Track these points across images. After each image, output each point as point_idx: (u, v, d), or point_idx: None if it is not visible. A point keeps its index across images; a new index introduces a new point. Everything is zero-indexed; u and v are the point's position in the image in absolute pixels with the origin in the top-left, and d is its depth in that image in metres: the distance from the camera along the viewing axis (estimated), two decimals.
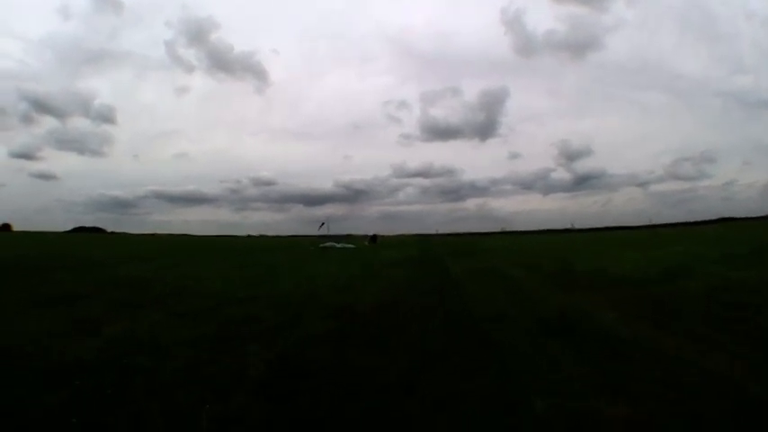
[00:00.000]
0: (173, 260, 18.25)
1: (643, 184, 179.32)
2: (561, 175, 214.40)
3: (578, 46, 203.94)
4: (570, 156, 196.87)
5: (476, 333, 5.28)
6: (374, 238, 40.68)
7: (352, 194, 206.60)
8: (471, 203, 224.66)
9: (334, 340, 4.94)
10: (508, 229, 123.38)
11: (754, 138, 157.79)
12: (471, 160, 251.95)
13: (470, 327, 5.62)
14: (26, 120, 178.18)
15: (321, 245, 30.35)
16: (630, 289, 8.47)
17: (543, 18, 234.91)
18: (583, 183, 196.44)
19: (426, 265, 15.05)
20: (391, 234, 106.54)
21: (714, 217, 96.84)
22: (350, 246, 29.52)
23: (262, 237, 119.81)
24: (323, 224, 39.88)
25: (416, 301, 7.60)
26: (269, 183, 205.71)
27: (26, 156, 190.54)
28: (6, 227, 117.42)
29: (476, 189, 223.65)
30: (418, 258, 18.82)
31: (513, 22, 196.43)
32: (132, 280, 10.81)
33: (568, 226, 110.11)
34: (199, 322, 5.99)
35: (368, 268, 13.60)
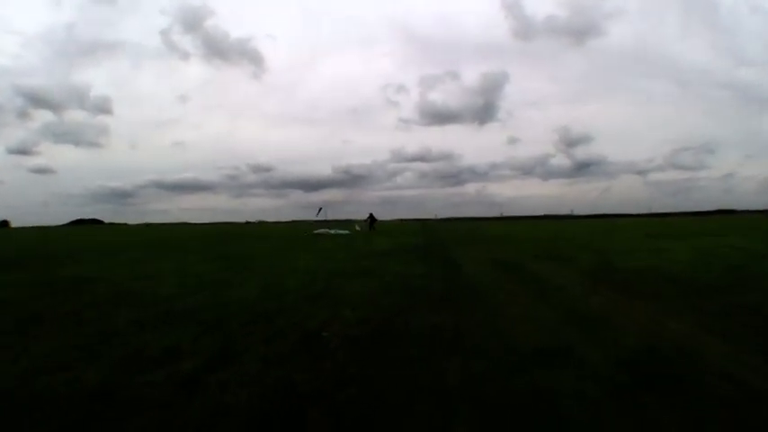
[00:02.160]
0: (144, 253, 15.94)
1: (642, 173, 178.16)
2: (561, 161, 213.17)
3: (579, 32, 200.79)
4: (570, 142, 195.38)
5: (535, 396, 2.87)
6: (372, 220, 34.53)
7: (351, 179, 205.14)
8: (470, 188, 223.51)
9: (273, 422, 2.64)
10: (507, 214, 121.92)
11: (755, 131, 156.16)
12: (470, 145, 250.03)
13: (519, 378, 3.19)
14: (22, 115, 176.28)
15: (314, 231, 28.29)
16: (715, 298, 6.10)
17: (543, 2, 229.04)
18: (582, 169, 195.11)
19: (430, 257, 12.56)
20: (390, 219, 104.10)
21: (713, 208, 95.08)
22: (344, 232, 27.27)
23: (261, 223, 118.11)
24: (321, 209, 38.74)
25: (420, 318, 5.14)
26: (267, 169, 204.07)
27: (23, 151, 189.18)
28: (5, 223, 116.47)
29: (475, 174, 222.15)
30: (420, 247, 16.27)
31: (513, 6, 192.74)
32: (75, 281, 8.76)
33: (568, 212, 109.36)
34: (93, 359, 3.84)
35: (359, 261, 11.22)
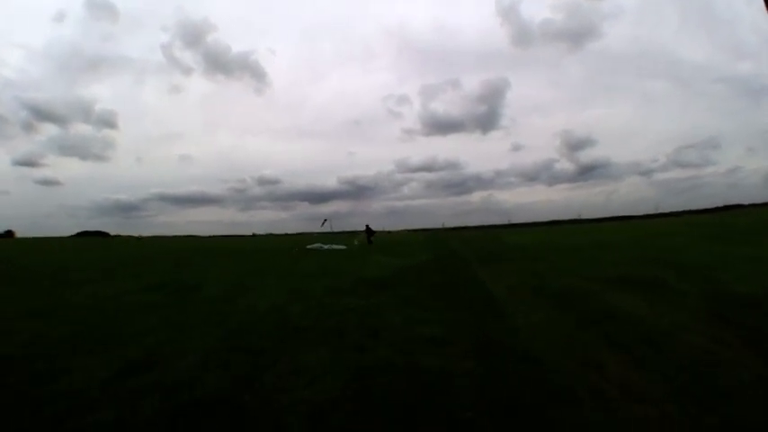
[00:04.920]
0: (88, 275, 12.49)
1: (647, 173, 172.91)
2: (565, 165, 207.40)
3: (576, 35, 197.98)
4: (573, 146, 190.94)
5: None
6: (369, 233, 29.76)
7: (357, 191, 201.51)
8: (477, 196, 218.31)
9: None
10: (514, 221, 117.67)
11: (757, 123, 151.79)
12: (475, 153, 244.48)
13: None
14: (27, 128, 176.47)
15: (307, 246, 24.60)
16: None
17: (539, 7, 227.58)
18: (587, 173, 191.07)
19: (447, 289, 8.64)
20: (397, 229, 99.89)
21: (719, 204, 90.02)
22: (340, 247, 23.36)
23: (269, 236, 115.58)
24: (325, 221, 36.86)
25: None
26: (273, 181, 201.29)
27: (29, 163, 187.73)
28: (9, 234, 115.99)
29: (481, 182, 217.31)
30: (431, 269, 12.28)
31: (509, 12, 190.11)
32: None
33: (575, 216, 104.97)
34: None
35: (339, 299, 7.39)
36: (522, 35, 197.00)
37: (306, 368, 3.87)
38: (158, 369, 4.02)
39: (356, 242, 26.75)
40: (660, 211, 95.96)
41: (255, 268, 14.00)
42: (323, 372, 3.78)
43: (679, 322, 5.21)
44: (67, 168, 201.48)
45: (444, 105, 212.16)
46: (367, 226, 30.04)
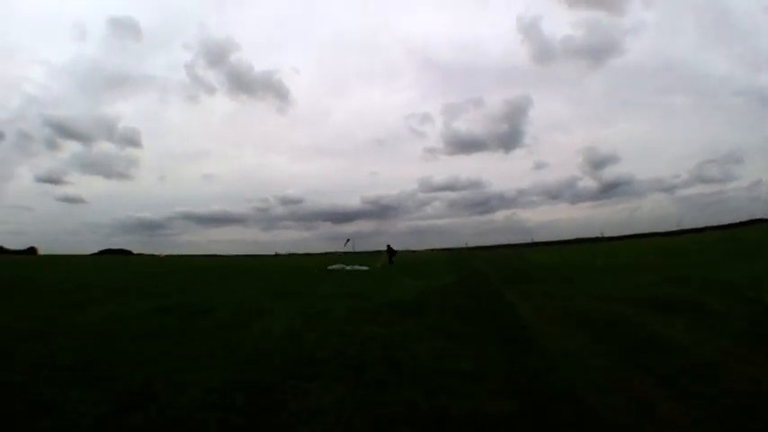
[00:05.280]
0: (105, 294, 12.49)
1: (669, 189, 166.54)
2: (588, 183, 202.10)
3: (598, 51, 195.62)
4: (596, 164, 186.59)
5: None
6: (390, 253, 29.22)
7: (380, 210, 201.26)
8: (500, 215, 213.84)
9: None
10: (537, 240, 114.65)
11: None
12: (497, 172, 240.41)
13: None
14: (51, 145, 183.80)
15: (329, 267, 24.29)
16: None
17: (560, 24, 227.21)
18: (610, 190, 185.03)
19: (474, 311, 8.08)
20: (420, 249, 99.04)
21: (743, 219, 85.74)
22: (362, 268, 22.92)
23: (291, 255, 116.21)
24: (348, 241, 37.73)
25: None
26: (296, 201, 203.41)
27: (52, 180, 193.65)
28: (32, 250, 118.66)
29: (503, 200, 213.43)
30: (456, 292, 11.71)
31: (530, 29, 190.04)
32: None
33: (598, 234, 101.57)
34: None
35: (360, 326, 7.00)
36: (544, 52, 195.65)
37: (318, 410, 3.51)
38: (156, 406, 3.73)
39: (379, 265, 26.17)
40: (683, 227, 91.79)
41: (274, 289, 13.76)
42: (337, 415, 3.40)
43: (724, 348, 4.74)
44: (91, 186, 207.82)
45: (467, 124, 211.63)
46: (388, 246, 29.72)
